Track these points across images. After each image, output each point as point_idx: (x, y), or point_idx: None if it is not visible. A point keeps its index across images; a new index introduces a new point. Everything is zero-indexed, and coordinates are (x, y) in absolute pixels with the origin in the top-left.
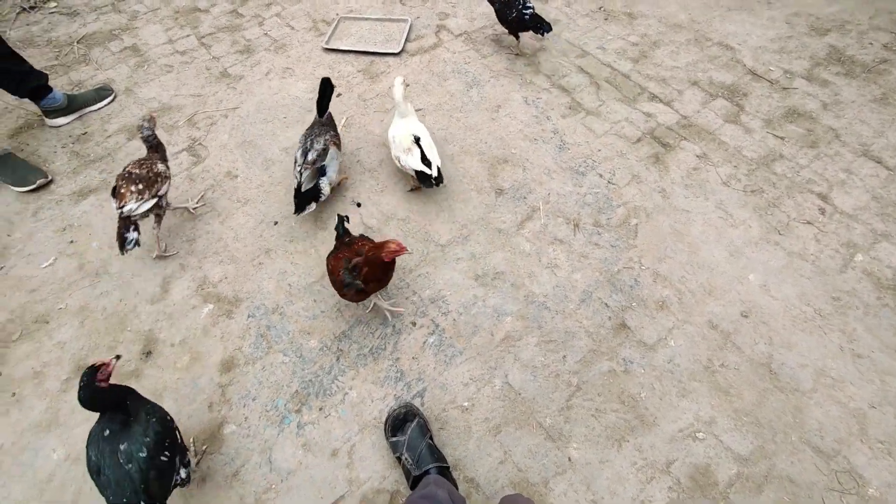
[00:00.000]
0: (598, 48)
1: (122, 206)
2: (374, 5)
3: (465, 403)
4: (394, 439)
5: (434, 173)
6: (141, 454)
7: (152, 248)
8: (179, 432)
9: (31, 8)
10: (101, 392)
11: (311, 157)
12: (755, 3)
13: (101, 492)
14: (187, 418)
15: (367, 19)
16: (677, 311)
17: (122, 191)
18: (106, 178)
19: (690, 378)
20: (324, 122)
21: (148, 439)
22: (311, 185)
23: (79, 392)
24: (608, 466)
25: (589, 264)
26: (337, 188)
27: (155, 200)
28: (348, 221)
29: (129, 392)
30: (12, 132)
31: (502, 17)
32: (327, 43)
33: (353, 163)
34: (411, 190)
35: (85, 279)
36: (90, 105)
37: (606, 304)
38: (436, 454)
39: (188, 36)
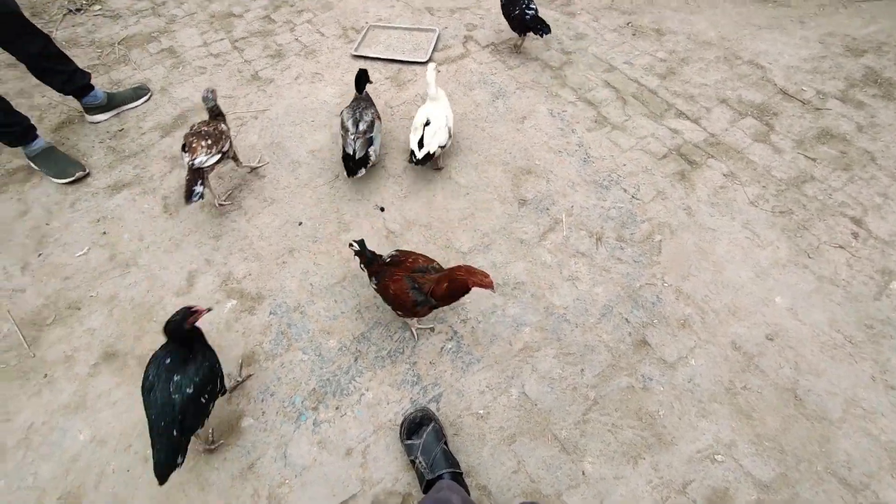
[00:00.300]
0: (625, 63)
1: (194, 159)
2: (403, 14)
3: (481, 411)
4: (409, 442)
5: (419, 155)
6: (188, 390)
7: (180, 241)
8: (222, 378)
9: (77, 10)
10: (183, 331)
11: (362, 127)
12: (788, 22)
13: (146, 409)
14: None
15: (395, 28)
16: (700, 331)
17: (194, 145)
18: (139, 174)
19: (711, 399)
20: (364, 97)
21: (197, 380)
22: (363, 154)
23: (169, 323)
24: (623, 483)
25: (611, 279)
26: (362, 193)
27: (220, 156)
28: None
29: (199, 334)
30: (55, 127)
31: (506, 13)
32: (356, 50)
33: (377, 168)
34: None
35: (115, 269)
36: (128, 103)
37: (627, 319)
38: (450, 459)
39: (222, 40)
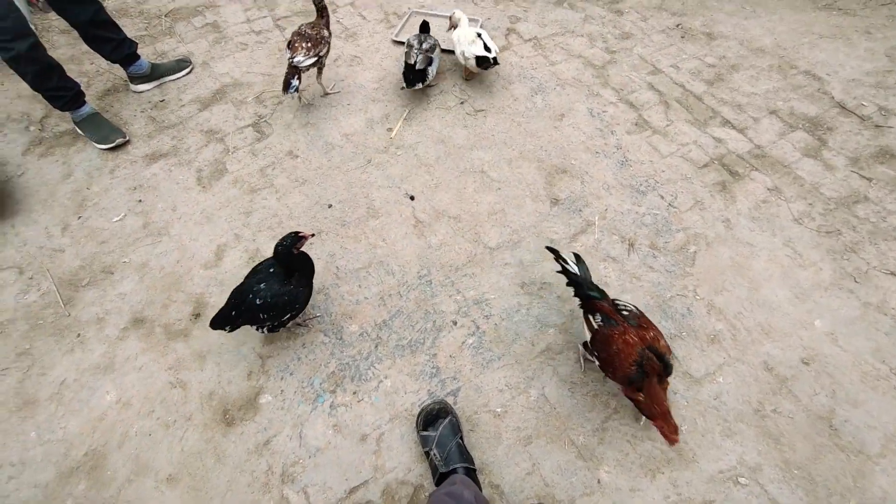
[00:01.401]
0: (671, 66)
1: (293, 57)
2: (446, 2)
3: (499, 409)
4: (425, 433)
5: (493, 55)
6: (257, 300)
7: (211, 215)
8: (292, 317)
9: None
10: (291, 255)
11: (426, 45)
12: (852, 32)
13: (241, 288)
14: (227, 383)
15: (437, 15)
16: (730, 348)
17: (296, 45)
18: (176, 146)
19: (737, 419)
20: (429, 35)
21: (269, 301)
22: (422, 67)
23: (279, 246)
24: (639, 496)
25: (640, 287)
26: (393, 181)
27: (316, 59)
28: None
29: (305, 269)
30: (101, 94)
31: None
32: (396, 35)
33: (410, 156)
34: (466, 79)
35: (148, 237)
36: (170, 75)
37: None
38: (465, 454)
39: (265, 17)
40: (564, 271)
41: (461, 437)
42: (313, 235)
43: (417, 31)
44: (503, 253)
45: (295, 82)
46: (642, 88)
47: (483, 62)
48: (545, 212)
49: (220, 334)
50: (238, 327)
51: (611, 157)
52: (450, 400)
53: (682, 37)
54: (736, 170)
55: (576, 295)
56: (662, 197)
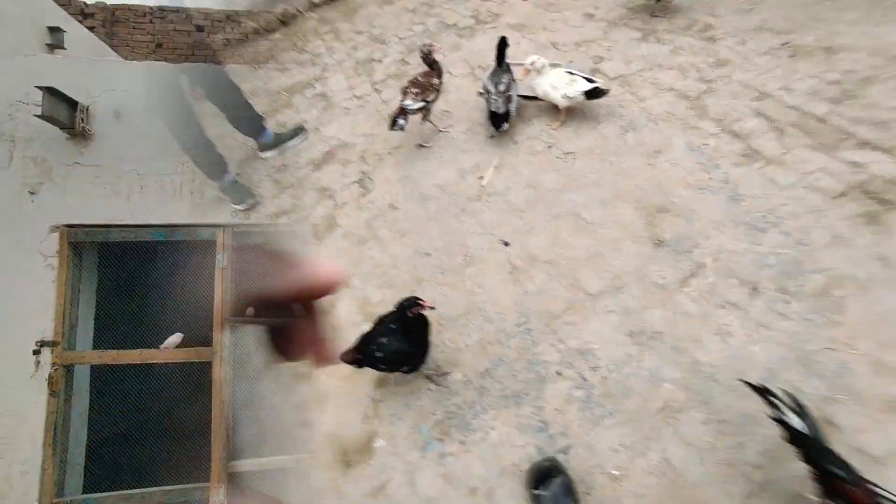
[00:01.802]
0: (780, 89)
1: (403, 101)
2: (528, 51)
3: (615, 471)
4: (537, 492)
5: (601, 84)
6: (378, 353)
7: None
8: (405, 371)
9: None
10: (405, 317)
11: (501, 87)
12: None
13: (368, 335)
14: (345, 425)
15: (521, 65)
16: None
17: (407, 90)
18: (295, 203)
19: None
20: (504, 69)
21: (388, 355)
22: (504, 110)
23: (399, 304)
24: None
25: (771, 337)
26: (486, 228)
27: (423, 104)
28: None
29: (419, 331)
30: (238, 163)
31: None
32: (482, 89)
33: (501, 203)
34: (559, 125)
35: None
36: (288, 141)
37: (800, 389)
38: None
39: (364, 83)
40: (781, 423)
41: (575, 499)
42: (433, 308)
43: (494, 66)
44: (605, 299)
45: (401, 121)
46: (748, 116)
47: (596, 93)
48: (648, 254)
49: (339, 377)
50: (362, 367)
51: (718, 193)
52: (560, 458)
53: (792, 56)
54: (886, 197)
55: (805, 461)
56: (787, 234)
